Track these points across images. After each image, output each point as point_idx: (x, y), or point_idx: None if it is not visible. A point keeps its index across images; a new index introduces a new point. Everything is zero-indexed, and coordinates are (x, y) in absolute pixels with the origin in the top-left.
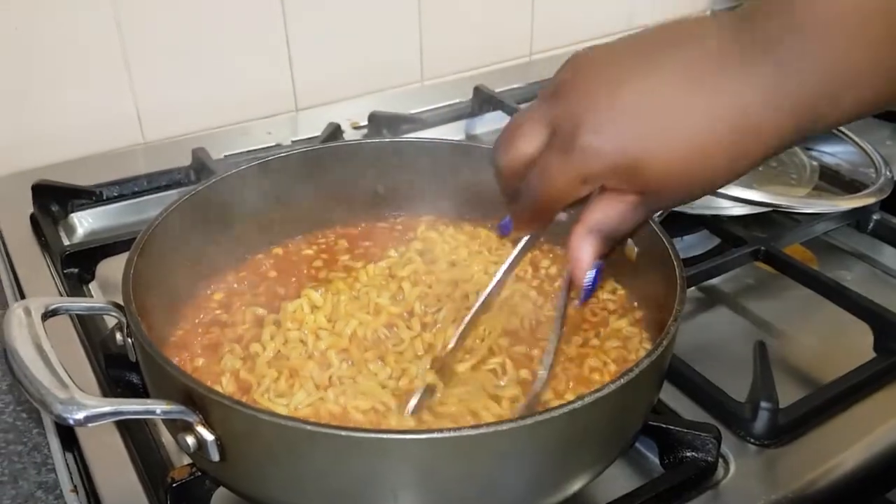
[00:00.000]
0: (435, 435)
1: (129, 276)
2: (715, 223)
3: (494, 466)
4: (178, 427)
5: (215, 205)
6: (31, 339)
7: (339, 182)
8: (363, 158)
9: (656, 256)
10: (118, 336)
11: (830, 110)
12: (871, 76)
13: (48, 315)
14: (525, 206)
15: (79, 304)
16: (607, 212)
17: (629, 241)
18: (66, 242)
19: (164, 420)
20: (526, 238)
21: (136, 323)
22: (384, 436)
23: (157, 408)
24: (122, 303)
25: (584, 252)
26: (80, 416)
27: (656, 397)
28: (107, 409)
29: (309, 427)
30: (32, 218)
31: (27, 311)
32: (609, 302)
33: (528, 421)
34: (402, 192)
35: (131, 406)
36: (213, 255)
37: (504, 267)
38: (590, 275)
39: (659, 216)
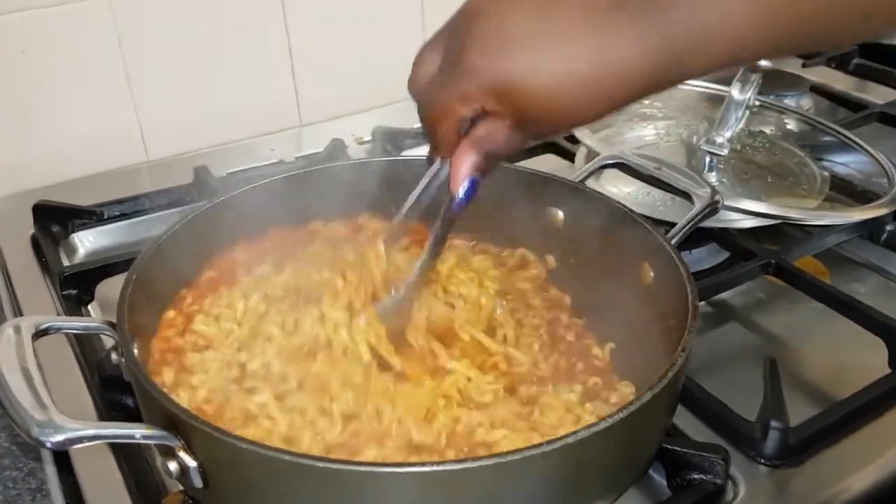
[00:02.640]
0: (416, 469)
1: (126, 294)
2: (724, 236)
3: (482, 501)
4: (163, 452)
5: (216, 225)
6: (17, 359)
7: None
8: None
9: (670, 280)
10: (114, 356)
11: (700, 59)
12: (751, 30)
13: (39, 334)
14: (423, 126)
15: (72, 323)
16: (488, 131)
17: (645, 264)
18: (67, 263)
19: (153, 445)
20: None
21: (126, 343)
22: (364, 468)
23: (138, 432)
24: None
25: (463, 165)
26: (58, 438)
27: (668, 423)
28: (85, 432)
29: (287, 457)
30: (33, 238)
31: (17, 330)
32: None
33: (517, 456)
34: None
35: (111, 430)
36: (212, 274)
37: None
38: (464, 187)
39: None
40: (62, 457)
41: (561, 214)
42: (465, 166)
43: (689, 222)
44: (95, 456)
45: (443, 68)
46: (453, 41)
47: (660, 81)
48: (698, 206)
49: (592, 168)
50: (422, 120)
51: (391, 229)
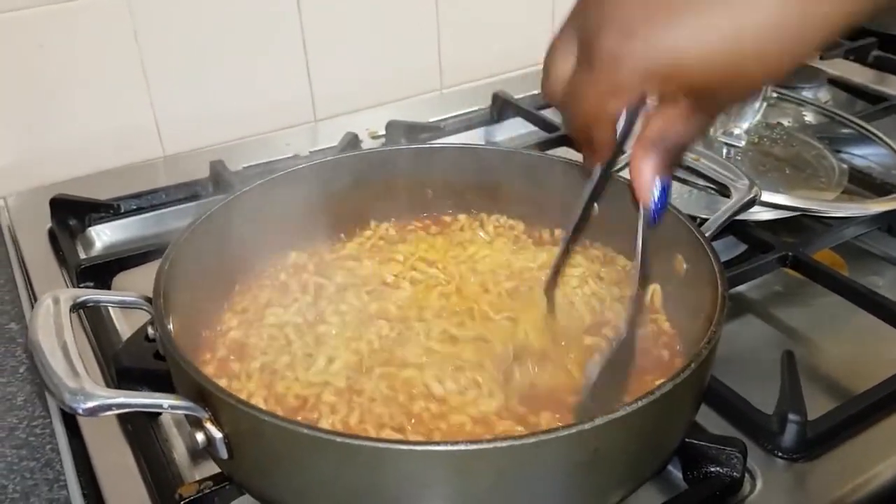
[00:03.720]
0: (430, 447)
1: (164, 270)
2: (741, 228)
3: (496, 483)
4: (191, 423)
5: (258, 207)
6: (54, 328)
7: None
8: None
9: (702, 273)
10: (150, 330)
11: None
12: None
13: (77, 307)
14: (572, 133)
15: (109, 296)
16: (663, 122)
17: (678, 256)
18: (83, 256)
19: (182, 415)
20: (598, 171)
21: (160, 317)
22: (380, 445)
23: (166, 402)
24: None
25: (645, 169)
26: (89, 405)
27: (693, 417)
28: (115, 400)
29: (306, 431)
30: (51, 232)
31: (56, 301)
32: None
33: (531, 440)
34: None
35: (139, 399)
36: (251, 254)
37: (583, 201)
38: (655, 192)
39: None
40: (79, 447)
41: (595, 205)
42: (648, 170)
43: (725, 214)
44: (112, 447)
45: (580, 63)
46: (585, 28)
47: (855, 14)
48: (736, 198)
49: (627, 159)
50: (570, 129)
51: (552, 266)
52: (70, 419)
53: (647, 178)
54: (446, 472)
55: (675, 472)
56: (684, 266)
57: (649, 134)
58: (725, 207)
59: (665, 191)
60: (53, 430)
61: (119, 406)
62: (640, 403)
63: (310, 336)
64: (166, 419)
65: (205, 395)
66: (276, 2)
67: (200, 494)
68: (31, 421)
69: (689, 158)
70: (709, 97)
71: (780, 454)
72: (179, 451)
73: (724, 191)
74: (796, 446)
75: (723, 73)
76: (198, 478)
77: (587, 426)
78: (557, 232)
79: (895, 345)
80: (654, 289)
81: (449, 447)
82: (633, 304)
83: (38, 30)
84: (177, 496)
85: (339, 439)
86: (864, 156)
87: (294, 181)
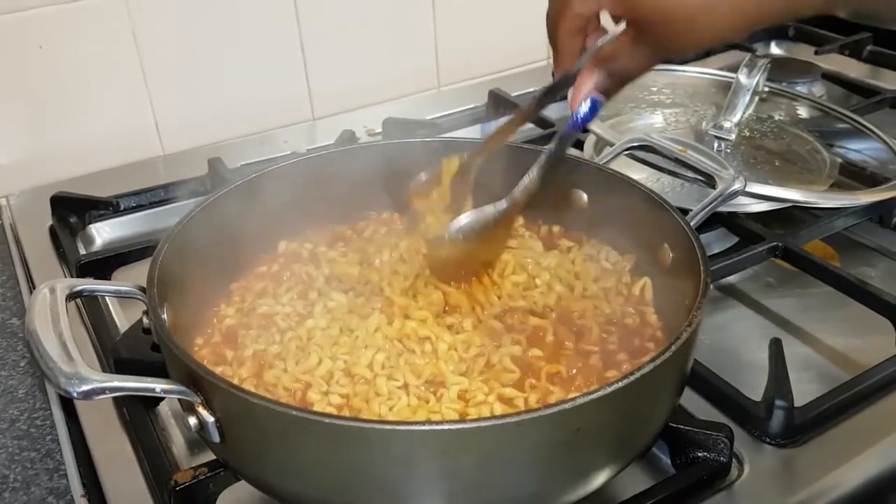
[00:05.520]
0: (416, 427)
1: (157, 261)
2: (732, 220)
3: (481, 462)
4: (184, 407)
5: (250, 200)
6: (49, 316)
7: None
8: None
9: (687, 261)
10: (145, 319)
11: None
12: None
13: (73, 296)
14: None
15: (104, 286)
16: (612, 48)
17: (665, 245)
18: (83, 252)
19: (177, 399)
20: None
21: (154, 305)
22: (366, 425)
23: (158, 386)
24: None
25: (583, 83)
26: (84, 388)
27: (676, 400)
28: (109, 384)
29: (295, 412)
30: (51, 230)
31: (52, 290)
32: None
33: (513, 419)
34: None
35: (132, 383)
36: (246, 247)
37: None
38: (585, 105)
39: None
40: (78, 437)
41: (585, 196)
42: (586, 84)
43: (710, 203)
44: (110, 436)
45: None
46: None
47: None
48: (721, 187)
49: (618, 151)
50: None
51: (484, 141)
52: (69, 409)
53: (582, 91)
54: (431, 451)
55: (663, 457)
56: (670, 255)
57: (600, 54)
58: (710, 197)
59: (594, 107)
60: (53, 422)
61: (113, 389)
62: (620, 384)
63: (300, 330)
64: (163, 409)
65: (196, 380)
66: (273, 2)
67: (195, 481)
68: (32, 413)
69: (676, 149)
70: (651, 34)
71: (767, 440)
72: (177, 442)
73: (712, 182)
74: (783, 432)
75: (664, 13)
76: (193, 464)
77: (568, 405)
78: (556, 228)
79: (884, 334)
80: (645, 282)
81: (434, 427)
82: (523, 186)
83: (38, 31)
84: (172, 482)
85: (327, 420)
86: (859, 150)
87: (287, 176)
